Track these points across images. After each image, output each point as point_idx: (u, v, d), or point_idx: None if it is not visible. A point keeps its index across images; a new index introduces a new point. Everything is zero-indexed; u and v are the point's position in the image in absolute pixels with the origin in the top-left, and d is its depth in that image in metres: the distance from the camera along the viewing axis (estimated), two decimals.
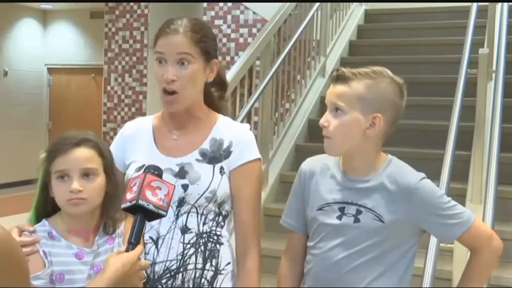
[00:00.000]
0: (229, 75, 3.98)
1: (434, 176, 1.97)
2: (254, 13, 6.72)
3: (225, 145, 1.74)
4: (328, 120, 1.64)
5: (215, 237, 1.71)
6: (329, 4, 5.43)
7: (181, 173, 1.69)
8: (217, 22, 6.85)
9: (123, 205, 1.47)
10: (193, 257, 1.67)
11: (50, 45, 10.24)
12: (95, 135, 1.62)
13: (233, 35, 6.84)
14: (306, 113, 4.92)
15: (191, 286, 1.67)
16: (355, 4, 6.34)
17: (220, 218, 1.73)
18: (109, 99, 7.72)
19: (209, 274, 1.69)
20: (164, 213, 1.47)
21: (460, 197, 3.07)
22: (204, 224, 1.70)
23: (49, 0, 9.30)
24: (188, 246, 1.68)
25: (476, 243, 1.64)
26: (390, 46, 5.81)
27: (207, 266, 1.69)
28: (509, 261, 3.24)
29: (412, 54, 5.50)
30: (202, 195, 1.68)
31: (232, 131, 1.76)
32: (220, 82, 1.84)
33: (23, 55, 9.91)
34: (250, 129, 1.85)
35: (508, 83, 3.76)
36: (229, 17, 6.85)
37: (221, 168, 1.72)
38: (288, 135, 4.67)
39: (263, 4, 6.41)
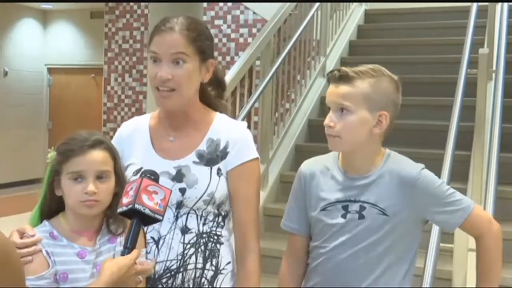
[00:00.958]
0: (229, 75, 3.98)
1: None
2: (254, 13, 6.72)
3: (221, 146, 1.73)
4: (333, 120, 1.64)
5: (215, 237, 1.71)
6: (329, 4, 5.43)
7: (178, 176, 1.68)
8: (217, 22, 6.86)
9: (119, 209, 1.47)
10: (193, 257, 1.67)
11: (50, 45, 10.24)
12: (105, 136, 1.62)
13: (233, 35, 6.84)
14: (306, 113, 4.92)
15: (191, 285, 1.67)
16: (355, 4, 6.34)
17: (220, 219, 1.73)
18: (109, 99, 7.73)
19: (209, 274, 1.69)
20: (160, 217, 1.47)
21: None
22: (204, 224, 1.69)
23: (49, 0, 9.30)
24: (188, 246, 1.67)
25: (478, 229, 1.67)
26: (390, 46, 5.81)
27: (207, 265, 1.69)
28: (509, 261, 3.24)
29: (412, 54, 5.50)
30: (200, 198, 1.67)
31: (229, 130, 1.75)
32: (217, 82, 1.82)
33: (23, 55, 9.91)
34: (250, 129, 1.84)
35: (508, 83, 3.76)
36: (229, 17, 6.85)
37: (218, 170, 1.71)
38: (288, 135, 4.67)
39: (263, 4, 6.42)
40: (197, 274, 1.68)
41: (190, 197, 1.67)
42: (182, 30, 1.67)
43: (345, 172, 1.69)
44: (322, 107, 5.13)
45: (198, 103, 1.77)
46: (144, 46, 7.48)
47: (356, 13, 6.30)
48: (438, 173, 2.83)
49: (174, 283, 1.66)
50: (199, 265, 1.68)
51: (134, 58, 7.55)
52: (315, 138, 4.83)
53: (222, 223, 1.73)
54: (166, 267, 1.67)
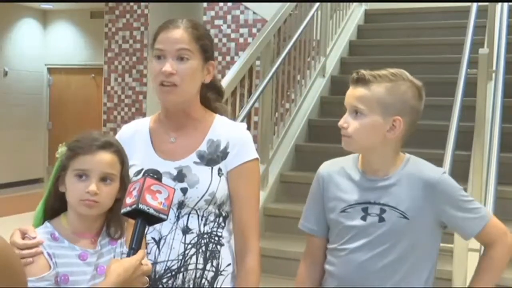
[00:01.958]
0: (229, 75, 3.99)
1: None
2: (254, 13, 6.72)
3: (222, 146, 1.74)
4: (347, 122, 1.65)
5: (216, 238, 1.71)
6: (329, 4, 5.43)
7: (180, 176, 1.69)
8: (217, 22, 6.85)
9: (123, 210, 1.46)
10: (194, 257, 1.68)
11: (50, 45, 10.24)
12: (117, 140, 1.62)
13: (233, 35, 6.83)
14: (306, 113, 4.92)
15: (191, 286, 1.67)
16: (355, 4, 6.34)
17: (221, 219, 1.73)
18: (109, 99, 7.72)
19: (209, 275, 1.69)
20: (165, 216, 1.46)
21: None
22: (205, 225, 1.70)
23: (49, 0, 9.30)
24: (189, 246, 1.68)
25: (492, 238, 1.67)
26: (390, 46, 5.81)
27: (208, 266, 1.69)
28: (509, 261, 3.24)
29: (412, 54, 5.50)
30: (202, 198, 1.68)
31: (229, 132, 1.76)
32: (215, 87, 1.84)
33: (23, 55, 9.91)
34: (250, 129, 1.85)
35: (508, 83, 3.76)
36: (229, 17, 6.84)
37: (219, 170, 1.72)
38: (288, 135, 4.67)
39: (263, 4, 6.41)
40: (198, 275, 1.68)
41: (191, 197, 1.67)
42: (187, 28, 1.70)
43: (364, 173, 1.69)
44: (322, 107, 5.14)
45: (199, 104, 1.78)
46: (144, 46, 7.48)
47: (356, 13, 6.30)
48: None
49: (175, 283, 1.67)
50: (200, 266, 1.68)
51: (134, 58, 7.54)
52: (315, 138, 4.83)
53: (223, 224, 1.73)
54: (167, 267, 1.67)
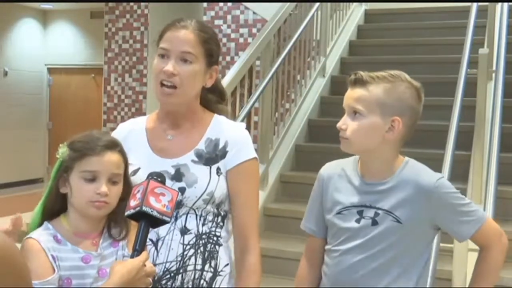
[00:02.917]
0: (229, 75, 3.98)
1: None
2: (254, 13, 6.72)
3: (220, 145, 1.73)
4: (346, 123, 1.64)
5: (215, 238, 1.71)
6: (329, 4, 5.43)
7: (178, 175, 1.68)
8: (217, 22, 6.85)
9: (126, 212, 1.47)
10: (193, 258, 1.67)
11: (50, 45, 10.24)
12: (117, 138, 1.61)
13: (233, 35, 6.83)
14: (306, 113, 4.92)
15: (190, 287, 1.67)
16: (355, 4, 6.34)
17: (219, 219, 1.73)
18: (109, 99, 7.72)
19: (208, 275, 1.69)
20: (168, 219, 1.47)
21: None
22: (203, 225, 1.69)
23: (49, 0, 9.30)
24: (188, 247, 1.67)
25: (487, 240, 1.67)
26: (390, 46, 5.81)
27: (206, 267, 1.69)
28: (509, 261, 3.24)
29: (412, 54, 5.50)
30: (200, 197, 1.67)
31: (228, 131, 1.76)
32: (217, 90, 1.83)
33: (23, 55, 9.90)
34: (250, 129, 1.85)
35: (508, 83, 3.76)
36: (229, 17, 6.84)
37: (218, 169, 1.71)
38: (288, 135, 4.67)
39: (263, 4, 6.41)
40: (196, 276, 1.67)
41: (189, 196, 1.67)
42: (194, 29, 1.70)
43: (363, 177, 1.69)
44: (322, 107, 5.14)
45: (198, 105, 1.78)
46: (144, 46, 7.47)
47: (356, 13, 6.30)
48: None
49: (174, 284, 1.66)
50: (198, 267, 1.68)
51: (134, 58, 7.54)
52: (315, 138, 4.83)
53: (221, 223, 1.73)
54: (165, 269, 1.66)
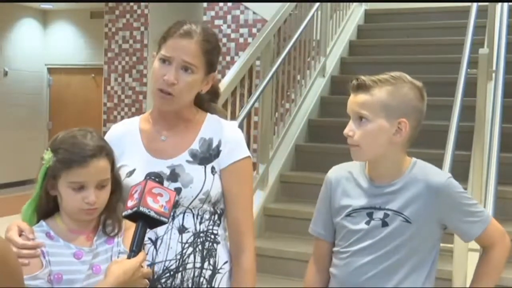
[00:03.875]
0: (229, 75, 3.99)
1: None
2: (254, 13, 6.71)
3: (214, 144, 1.74)
4: (352, 130, 1.64)
5: (212, 236, 1.72)
6: (329, 4, 5.43)
7: (173, 176, 1.69)
8: (217, 22, 6.85)
9: (124, 213, 1.47)
10: (192, 256, 1.68)
11: (50, 45, 10.24)
12: (98, 133, 1.59)
13: (233, 35, 6.83)
14: (306, 113, 4.92)
15: (190, 285, 1.67)
16: (355, 4, 6.34)
17: (216, 217, 1.73)
18: (109, 99, 7.72)
19: (207, 273, 1.69)
20: (165, 219, 1.47)
21: None
22: (200, 223, 1.70)
23: (49, 0, 9.30)
24: (187, 245, 1.68)
25: (491, 240, 1.68)
26: (390, 46, 5.80)
27: (205, 265, 1.69)
28: (509, 261, 3.24)
29: (412, 54, 5.50)
30: (196, 197, 1.68)
31: (221, 130, 1.76)
32: (213, 91, 1.85)
33: (23, 55, 9.90)
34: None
35: (508, 83, 3.76)
36: (229, 17, 6.84)
37: (212, 168, 1.72)
38: (288, 135, 4.67)
39: (263, 4, 6.41)
40: (196, 274, 1.68)
41: (186, 196, 1.67)
42: (199, 39, 1.68)
43: (371, 180, 1.69)
44: (322, 107, 5.14)
45: (192, 106, 1.79)
46: (144, 46, 7.47)
47: (356, 13, 6.30)
48: None
49: (174, 283, 1.67)
50: (198, 264, 1.68)
51: (134, 58, 7.53)
52: (315, 138, 4.83)
53: (218, 221, 1.74)
54: (165, 267, 1.67)
